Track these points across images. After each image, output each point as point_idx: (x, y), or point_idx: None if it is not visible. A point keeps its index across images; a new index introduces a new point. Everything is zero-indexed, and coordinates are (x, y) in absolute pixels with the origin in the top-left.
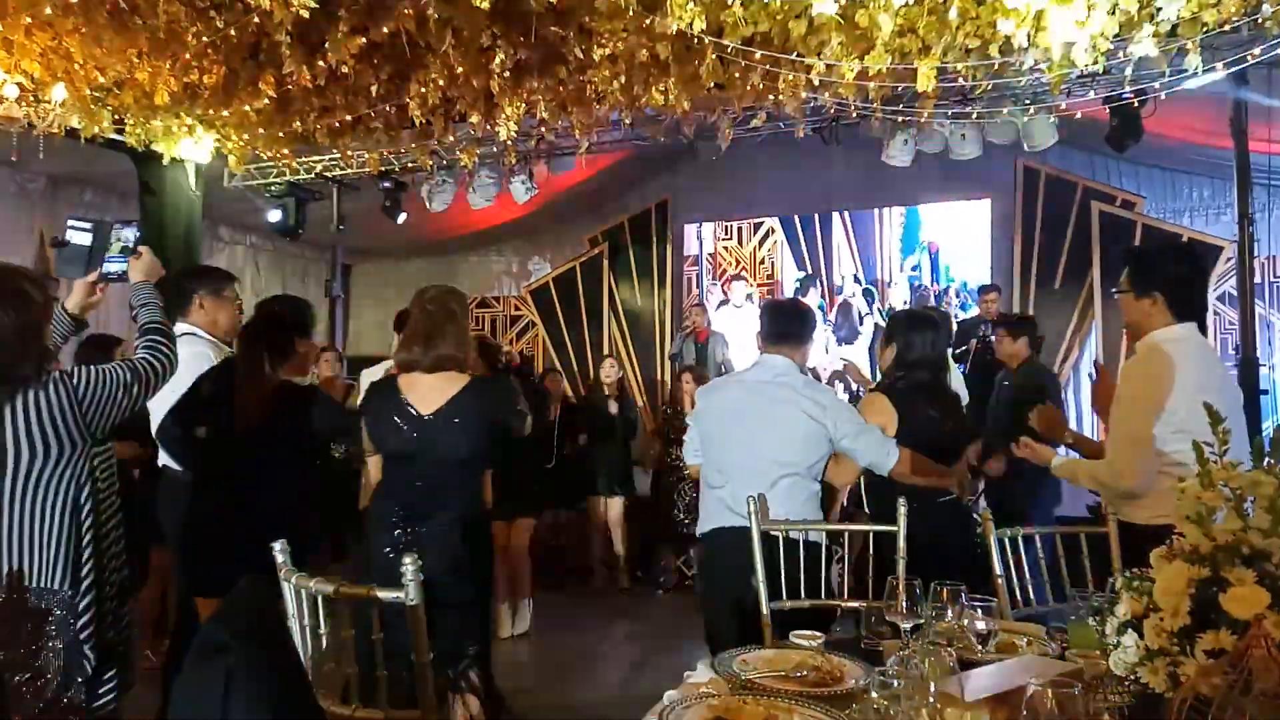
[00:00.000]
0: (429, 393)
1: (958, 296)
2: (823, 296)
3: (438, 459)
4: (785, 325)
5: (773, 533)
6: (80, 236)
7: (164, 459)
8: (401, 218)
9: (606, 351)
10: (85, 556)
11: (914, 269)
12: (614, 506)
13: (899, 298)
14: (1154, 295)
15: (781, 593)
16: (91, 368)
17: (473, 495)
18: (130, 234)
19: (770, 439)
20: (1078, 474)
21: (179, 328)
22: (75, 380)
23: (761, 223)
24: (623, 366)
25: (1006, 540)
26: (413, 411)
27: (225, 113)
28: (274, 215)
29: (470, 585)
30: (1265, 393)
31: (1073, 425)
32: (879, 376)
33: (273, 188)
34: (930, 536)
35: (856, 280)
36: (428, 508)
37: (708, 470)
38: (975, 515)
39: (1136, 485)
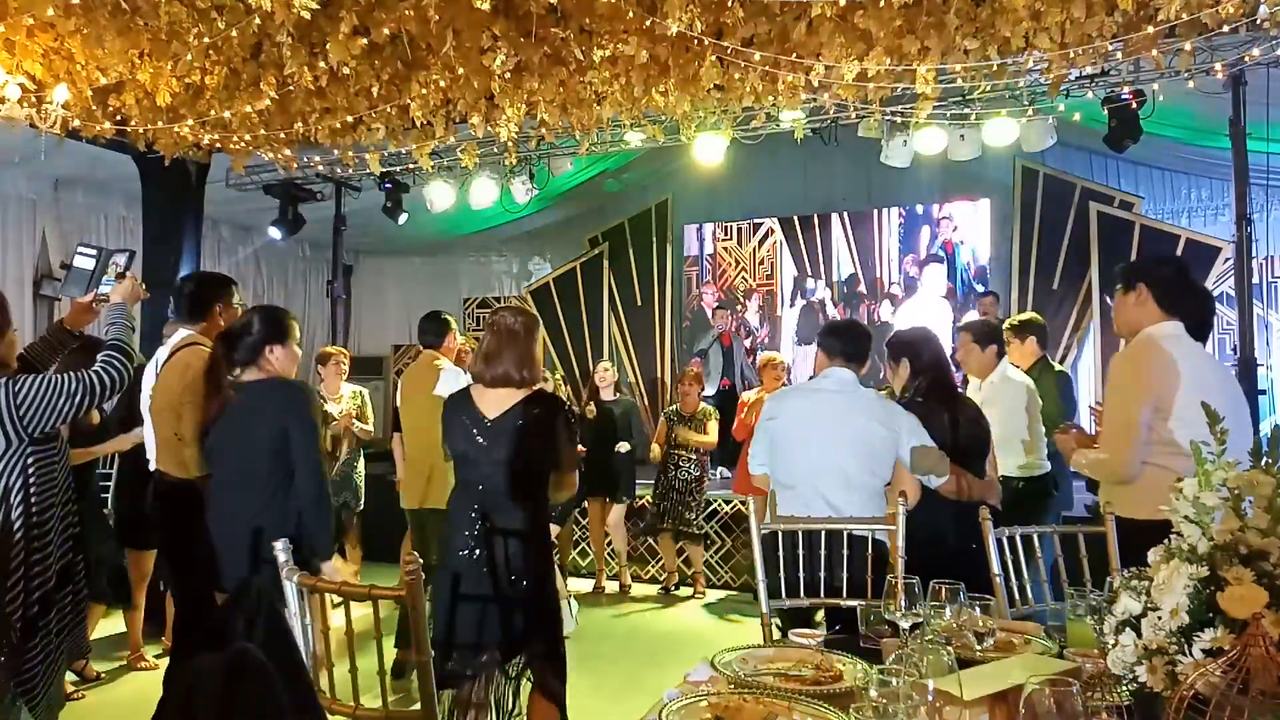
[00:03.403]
0: (495, 401)
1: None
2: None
3: (498, 461)
4: (853, 345)
5: (827, 529)
6: (85, 261)
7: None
8: (403, 218)
9: (606, 352)
10: (14, 544)
11: (935, 263)
12: (614, 509)
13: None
14: (1138, 288)
15: (792, 589)
16: (38, 377)
17: (534, 498)
18: (123, 259)
19: (844, 444)
20: (1082, 462)
21: (184, 335)
22: (17, 387)
23: (761, 223)
24: (623, 367)
25: (1005, 540)
26: (481, 417)
27: (227, 113)
28: (275, 216)
29: (535, 583)
30: (1263, 393)
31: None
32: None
33: (274, 188)
34: (931, 536)
35: (829, 284)
36: (495, 509)
37: (780, 472)
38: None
39: (1123, 473)
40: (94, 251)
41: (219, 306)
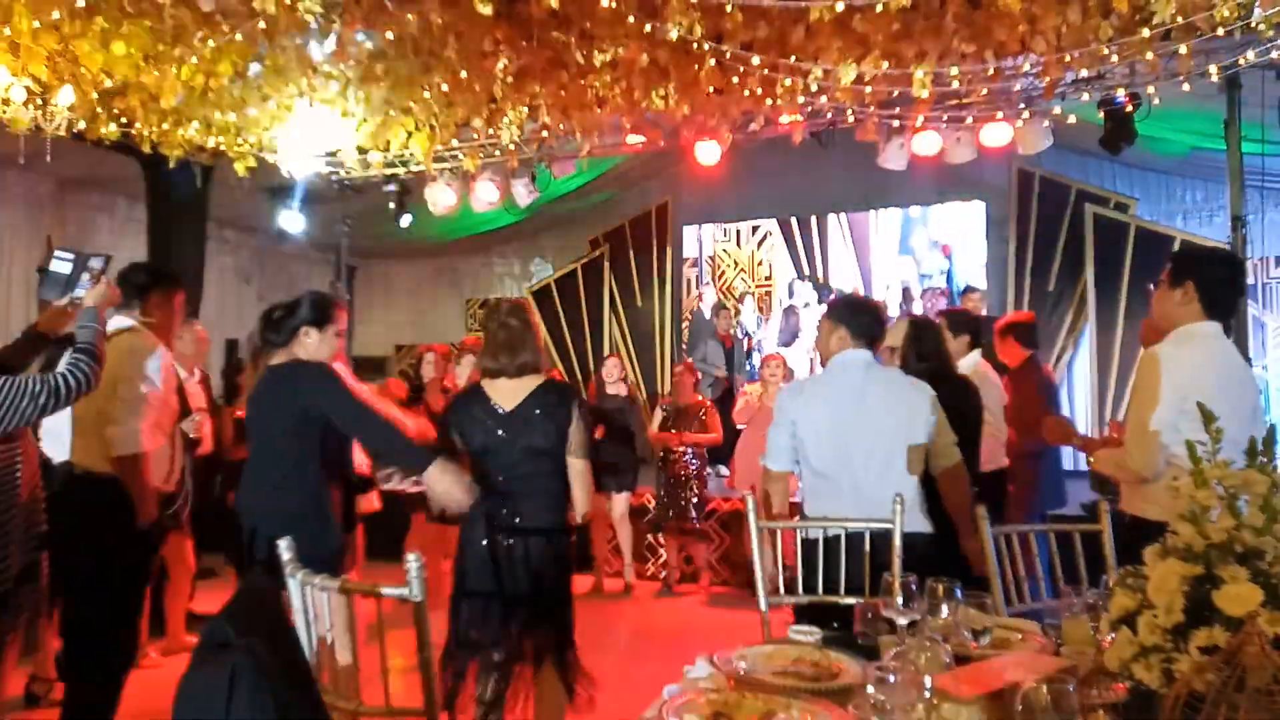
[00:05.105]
0: (510, 392)
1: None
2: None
3: (521, 450)
4: (870, 326)
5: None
6: (62, 265)
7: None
8: (406, 220)
9: (608, 352)
10: None
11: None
12: (619, 503)
13: (895, 298)
14: (1185, 285)
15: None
16: (2, 379)
17: (558, 487)
18: (98, 264)
19: (888, 424)
20: (1105, 462)
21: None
22: None
23: (759, 225)
24: (624, 366)
25: (1002, 538)
26: (498, 409)
27: (232, 115)
28: (279, 218)
29: (562, 569)
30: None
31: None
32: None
33: (278, 190)
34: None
35: (815, 288)
36: (519, 497)
37: (822, 467)
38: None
39: (1144, 470)
40: (70, 256)
41: (155, 297)
